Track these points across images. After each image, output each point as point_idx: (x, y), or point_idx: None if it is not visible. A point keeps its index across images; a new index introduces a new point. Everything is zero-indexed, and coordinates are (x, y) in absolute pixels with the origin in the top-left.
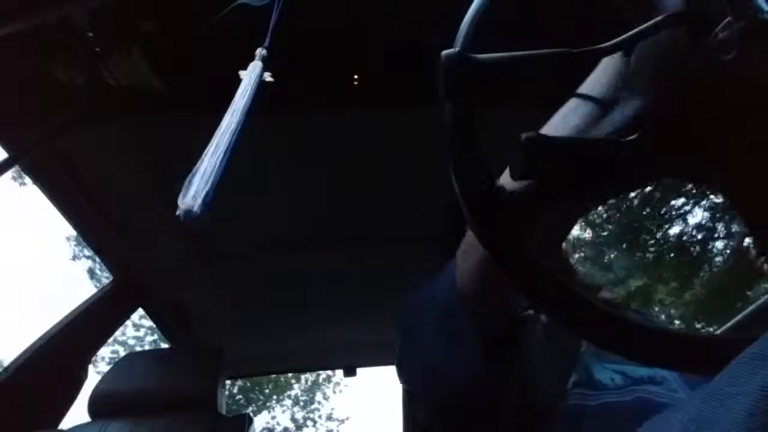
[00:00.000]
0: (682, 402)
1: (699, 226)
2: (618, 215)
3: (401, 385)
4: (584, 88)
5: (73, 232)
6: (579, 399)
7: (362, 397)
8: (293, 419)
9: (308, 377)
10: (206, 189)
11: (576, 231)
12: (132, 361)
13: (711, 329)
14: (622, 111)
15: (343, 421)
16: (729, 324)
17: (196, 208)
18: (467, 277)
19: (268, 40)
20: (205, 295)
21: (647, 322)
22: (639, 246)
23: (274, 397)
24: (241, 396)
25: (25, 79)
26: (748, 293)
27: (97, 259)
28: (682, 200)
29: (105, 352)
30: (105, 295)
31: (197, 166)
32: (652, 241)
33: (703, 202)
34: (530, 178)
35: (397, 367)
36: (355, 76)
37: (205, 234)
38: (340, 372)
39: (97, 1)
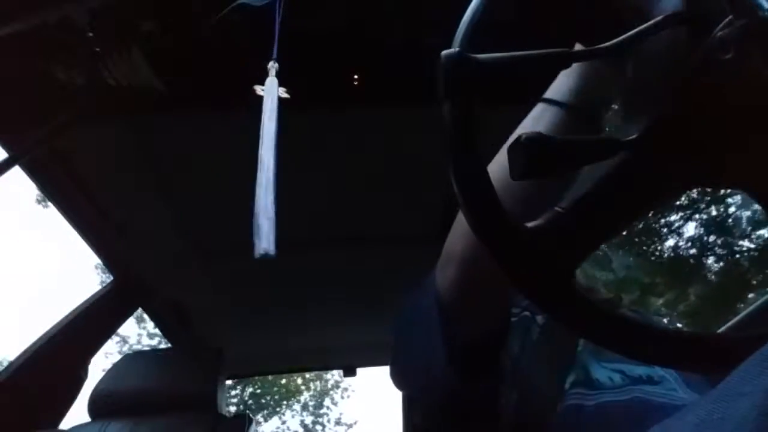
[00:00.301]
0: (692, 403)
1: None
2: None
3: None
4: (551, 93)
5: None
6: (577, 399)
7: (370, 402)
8: (303, 424)
9: (317, 383)
10: (274, 227)
11: None
12: (132, 361)
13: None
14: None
15: (351, 426)
16: (729, 324)
17: (272, 251)
18: (446, 288)
19: (275, 50)
20: (205, 294)
21: (646, 320)
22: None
23: (284, 402)
24: (252, 401)
25: (25, 79)
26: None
27: None
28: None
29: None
30: (105, 295)
31: (256, 206)
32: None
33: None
34: (530, 178)
35: (390, 369)
36: (355, 76)
37: (205, 234)
38: (348, 377)
39: (97, 1)
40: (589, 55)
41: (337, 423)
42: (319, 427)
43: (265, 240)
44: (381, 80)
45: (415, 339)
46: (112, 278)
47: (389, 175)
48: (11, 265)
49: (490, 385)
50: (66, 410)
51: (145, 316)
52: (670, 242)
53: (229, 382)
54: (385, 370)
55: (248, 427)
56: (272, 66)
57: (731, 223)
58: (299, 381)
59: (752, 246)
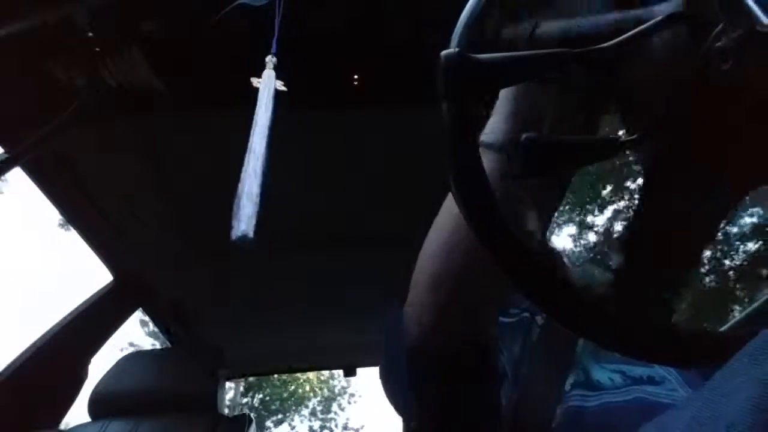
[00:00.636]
0: (684, 401)
1: None
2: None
3: None
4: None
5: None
6: (578, 400)
7: (376, 407)
8: (311, 429)
9: (324, 390)
10: (255, 212)
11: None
12: (132, 361)
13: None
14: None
15: (357, 430)
16: (729, 323)
17: (251, 234)
18: (422, 314)
19: (274, 46)
20: (205, 294)
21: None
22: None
23: (293, 408)
24: (262, 407)
25: (25, 79)
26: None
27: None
28: None
29: None
30: (105, 295)
31: (240, 188)
32: None
33: None
34: (530, 178)
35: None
36: (355, 76)
37: (205, 234)
38: (355, 383)
39: (97, 1)
40: (589, 54)
41: (345, 428)
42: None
43: (244, 223)
44: (381, 80)
45: (393, 360)
46: (112, 278)
47: (389, 175)
48: (10, 265)
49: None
50: (66, 410)
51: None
52: None
53: (231, 384)
54: None
55: (248, 427)
56: (270, 60)
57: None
58: (307, 387)
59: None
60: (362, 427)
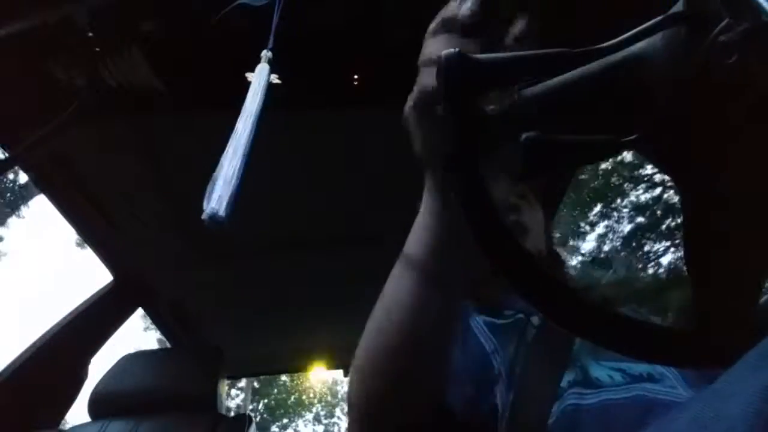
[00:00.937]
0: (686, 402)
1: None
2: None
3: None
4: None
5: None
6: (575, 398)
7: None
8: None
9: (328, 396)
10: (230, 193)
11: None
12: (132, 361)
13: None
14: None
15: None
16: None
17: (221, 212)
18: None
19: (271, 41)
20: (205, 294)
21: (644, 318)
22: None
23: (298, 414)
24: (266, 412)
25: (25, 79)
26: None
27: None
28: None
29: None
30: (105, 295)
31: (217, 170)
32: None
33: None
34: (530, 178)
35: None
36: (355, 76)
37: (205, 234)
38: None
39: (97, 1)
40: (589, 54)
41: None
42: None
43: (215, 201)
44: (381, 80)
45: None
46: (112, 278)
47: (389, 175)
48: (11, 266)
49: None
50: (66, 410)
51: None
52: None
53: (237, 392)
54: None
55: (248, 427)
56: (265, 54)
57: None
58: (311, 394)
59: None
60: None
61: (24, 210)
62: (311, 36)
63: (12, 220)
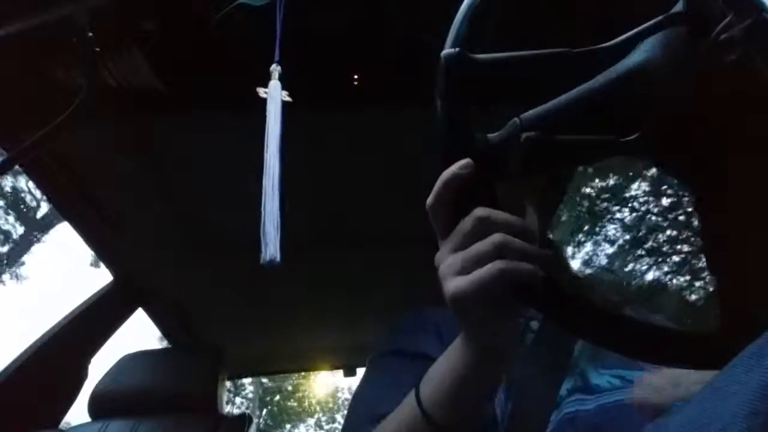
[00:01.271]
0: (684, 402)
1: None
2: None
3: None
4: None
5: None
6: (575, 405)
7: None
8: None
9: (329, 402)
10: (279, 233)
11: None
12: (132, 360)
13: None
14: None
15: None
16: None
17: (278, 258)
18: None
19: (277, 53)
20: (206, 294)
21: (646, 320)
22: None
23: (300, 419)
24: (269, 418)
25: (25, 79)
26: None
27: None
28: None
29: None
30: (105, 295)
31: (263, 214)
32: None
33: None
34: (530, 177)
35: None
36: (355, 76)
37: (205, 234)
38: (348, 377)
39: (97, 1)
40: (589, 54)
41: None
42: None
43: (272, 246)
44: (381, 80)
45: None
46: (112, 278)
47: (389, 175)
48: (31, 287)
49: None
50: (66, 410)
51: None
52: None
53: (243, 400)
54: None
55: (248, 427)
56: (275, 69)
57: None
58: (314, 401)
59: None
60: None
61: (45, 237)
62: (311, 36)
63: (36, 247)
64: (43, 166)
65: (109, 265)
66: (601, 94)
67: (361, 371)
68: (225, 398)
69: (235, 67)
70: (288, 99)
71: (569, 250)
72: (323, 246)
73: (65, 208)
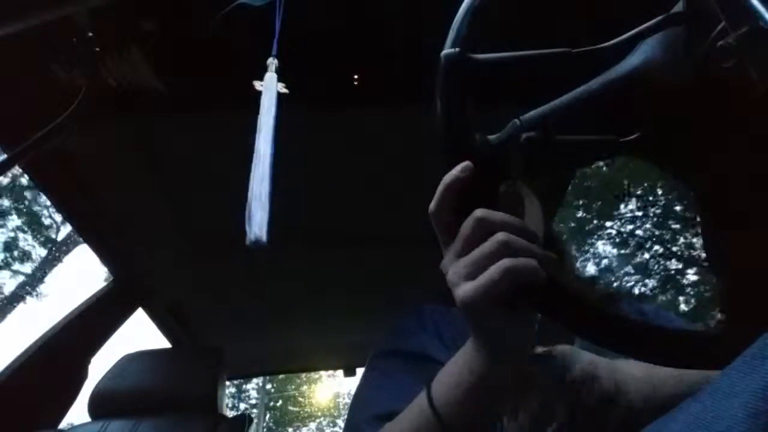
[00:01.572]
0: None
1: None
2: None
3: None
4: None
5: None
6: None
7: None
8: None
9: (331, 408)
10: (267, 217)
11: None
12: (132, 361)
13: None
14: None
15: None
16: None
17: (264, 239)
18: None
19: (275, 48)
20: (205, 294)
21: (645, 319)
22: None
23: (303, 424)
24: (273, 423)
25: (25, 79)
26: None
27: None
28: None
29: None
30: (105, 295)
31: (249, 194)
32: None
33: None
34: (530, 177)
35: None
36: (355, 76)
37: (205, 234)
38: (348, 378)
39: (97, 1)
40: (589, 54)
41: None
42: None
43: (257, 227)
44: (381, 80)
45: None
46: (112, 278)
47: (389, 175)
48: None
49: None
50: (66, 410)
51: None
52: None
53: (243, 401)
54: None
55: (248, 427)
56: (272, 62)
57: None
58: (315, 408)
59: None
60: None
61: (65, 258)
62: (311, 36)
63: (56, 269)
64: (43, 166)
65: (109, 265)
66: (601, 95)
67: (360, 371)
68: (227, 403)
69: (235, 67)
70: (284, 90)
71: (573, 250)
72: (323, 246)
73: (66, 209)
